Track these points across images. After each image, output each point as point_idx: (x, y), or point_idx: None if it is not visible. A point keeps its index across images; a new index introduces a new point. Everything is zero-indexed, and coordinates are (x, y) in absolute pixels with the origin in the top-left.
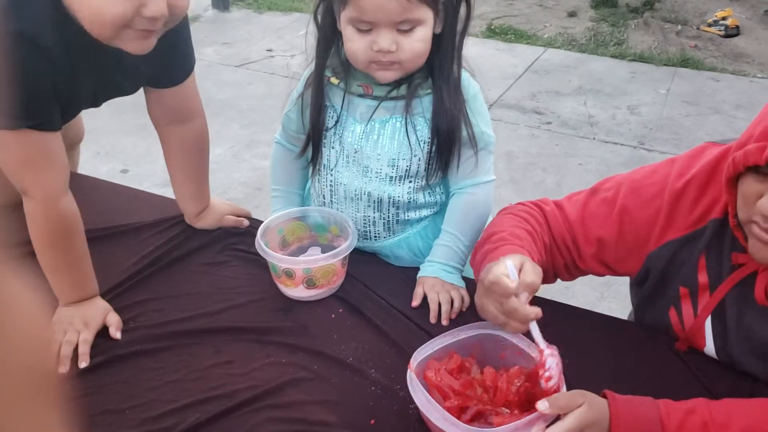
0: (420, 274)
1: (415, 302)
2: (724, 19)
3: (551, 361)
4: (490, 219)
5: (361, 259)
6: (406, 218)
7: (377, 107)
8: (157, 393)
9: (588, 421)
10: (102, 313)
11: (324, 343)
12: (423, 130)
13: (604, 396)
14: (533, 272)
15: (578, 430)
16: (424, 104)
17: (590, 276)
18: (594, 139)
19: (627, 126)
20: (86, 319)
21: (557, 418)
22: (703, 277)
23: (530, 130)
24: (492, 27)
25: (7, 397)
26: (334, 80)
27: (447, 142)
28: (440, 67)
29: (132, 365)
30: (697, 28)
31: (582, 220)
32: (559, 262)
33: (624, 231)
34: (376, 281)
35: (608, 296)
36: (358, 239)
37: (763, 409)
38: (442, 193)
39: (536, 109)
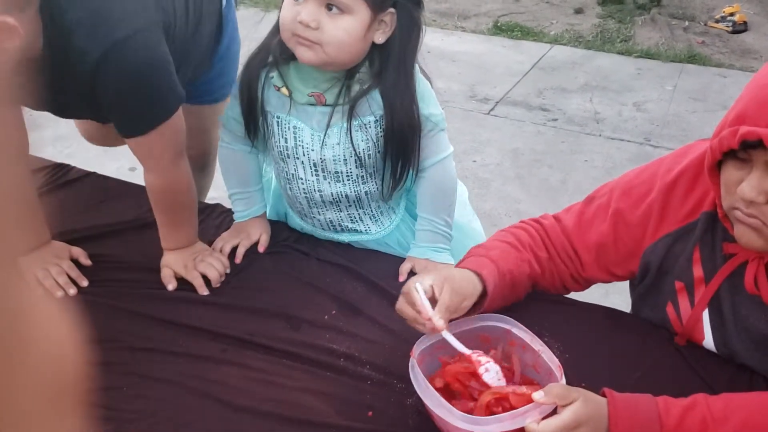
0: (409, 253)
1: (402, 277)
2: (731, 15)
3: (483, 359)
4: (458, 187)
5: (362, 256)
6: (390, 206)
7: (332, 113)
8: (152, 387)
9: (584, 416)
10: (63, 247)
11: (318, 341)
12: (377, 126)
13: (603, 394)
14: (449, 295)
15: (574, 425)
16: (375, 100)
17: None
18: (600, 135)
19: (633, 123)
20: (54, 253)
21: (554, 411)
22: (698, 271)
23: (536, 127)
24: (498, 24)
25: (28, 402)
26: (284, 91)
27: (404, 139)
28: (385, 75)
29: (133, 358)
30: (705, 24)
31: (579, 229)
32: (565, 273)
33: (619, 232)
34: (376, 274)
35: (614, 291)
36: (351, 235)
37: (760, 401)
38: None
39: (542, 106)
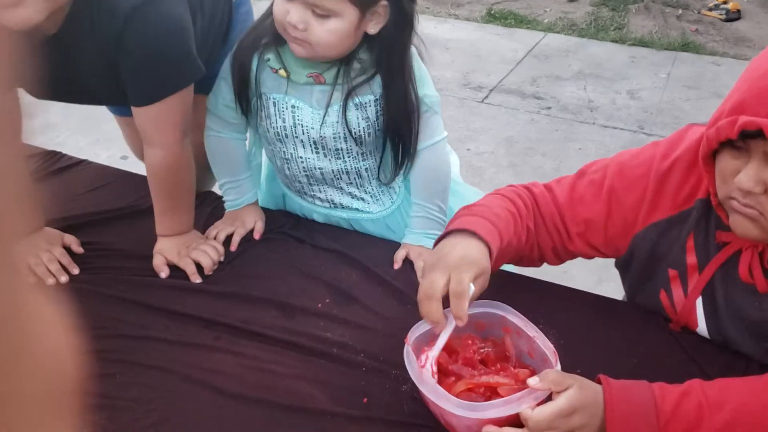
0: (404, 240)
1: (396, 265)
2: (725, 3)
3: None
4: (452, 169)
5: (357, 242)
6: (391, 186)
7: (332, 92)
8: (145, 375)
9: (579, 402)
10: (56, 234)
11: (312, 328)
12: (376, 106)
13: (599, 381)
14: (479, 288)
15: (569, 411)
16: (375, 80)
17: (589, 260)
18: (594, 123)
19: (627, 110)
20: (47, 239)
21: (549, 397)
22: (691, 258)
23: (530, 115)
24: (492, 12)
25: (25, 407)
26: (282, 73)
27: (402, 119)
28: (384, 62)
29: (125, 346)
30: (698, 13)
31: (570, 202)
32: (548, 245)
33: (612, 212)
34: (371, 261)
35: (606, 279)
36: (352, 212)
37: (755, 385)
38: None
39: (536, 94)
